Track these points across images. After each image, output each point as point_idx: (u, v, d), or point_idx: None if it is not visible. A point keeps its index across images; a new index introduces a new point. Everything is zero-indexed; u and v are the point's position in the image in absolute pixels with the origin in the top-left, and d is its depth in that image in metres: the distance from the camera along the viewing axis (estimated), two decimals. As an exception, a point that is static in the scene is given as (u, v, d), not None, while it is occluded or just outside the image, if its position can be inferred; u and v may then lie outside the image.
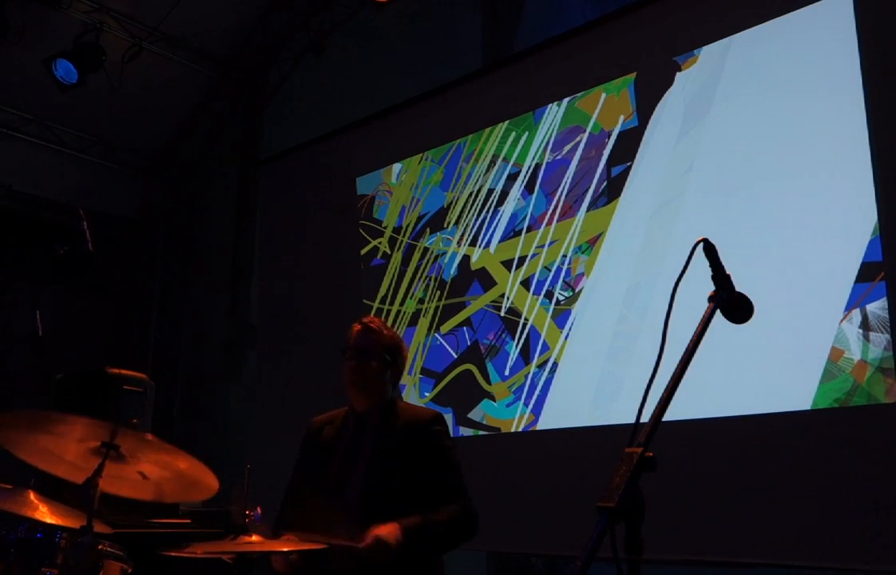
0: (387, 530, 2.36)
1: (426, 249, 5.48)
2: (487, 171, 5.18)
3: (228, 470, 2.61)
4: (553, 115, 4.89)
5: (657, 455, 1.40)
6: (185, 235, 8.81)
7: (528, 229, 4.88)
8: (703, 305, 1.66)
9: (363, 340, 2.76)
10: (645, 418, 1.49)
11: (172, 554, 2.22)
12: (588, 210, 4.60)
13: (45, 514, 2.43)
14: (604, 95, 4.66)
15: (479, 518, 2.60)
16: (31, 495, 2.49)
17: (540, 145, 4.91)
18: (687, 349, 1.55)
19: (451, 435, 2.80)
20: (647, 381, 1.50)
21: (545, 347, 4.64)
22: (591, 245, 4.54)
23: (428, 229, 5.50)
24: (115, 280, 8.35)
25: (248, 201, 7.79)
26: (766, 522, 3.62)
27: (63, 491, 2.49)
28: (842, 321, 3.57)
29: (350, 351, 2.76)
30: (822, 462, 3.54)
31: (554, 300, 4.65)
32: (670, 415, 1.50)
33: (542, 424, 4.59)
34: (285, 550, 2.26)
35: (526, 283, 4.81)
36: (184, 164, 8.68)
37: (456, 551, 2.59)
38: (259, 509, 2.36)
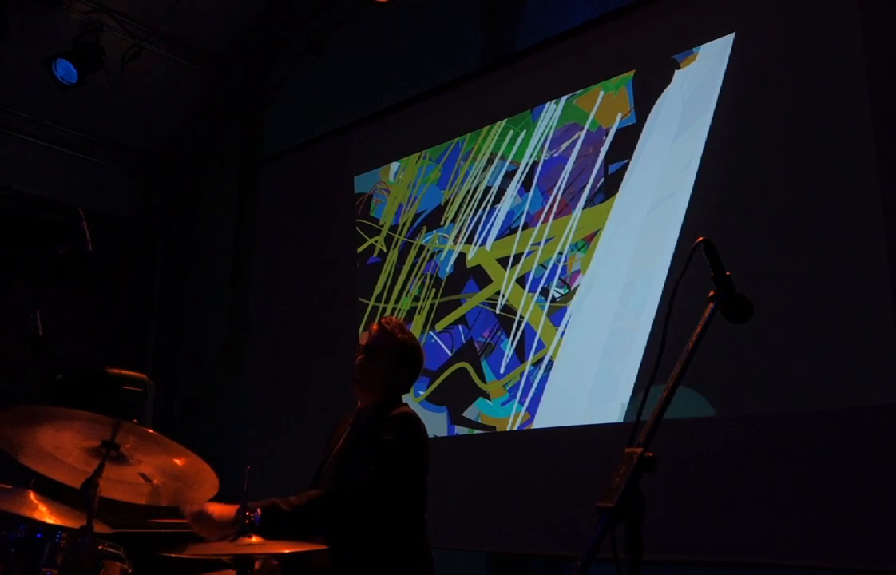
0: (217, 508, 2.40)
1: (422, 247, 5.47)
2: (485, 168, 5.17)
3: (228, 470, 2.60)
4: (551, 112, 4.89)
5: (657, 455, 1.41)
6: (185, 235, 8.81)
7: (525, 227, 4.87)
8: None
9: (374, 340, 2.81)
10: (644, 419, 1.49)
11: (172, 555, 2.22)
12: (585, 207, 4.59)
13: (45, 514, 2.42)
14: (602, 93, 4.65)
15: (351, 499, 2.50)
16: (31, 495, 2.49)
17: (537, 143, 4.91)
18: (687, 349, 1.55)
19: (413, 436, 2.66)
20: (643, 379, 1.50)
21: (541, 345, 4.63)
22: (587, 242, 4.54)
23: (424, 227, 5.50)
24: (115, 280, 8.35)
25: (248, 201, 7.79)
26: (766, 522, 3.62)
27: (63, 491, 2.49)
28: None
29: (360, 347, 2.82)
30: (823, 462, 3.54)
31: (549, 298, 4.64)
32: (671, 415, 1.50)
33: (537, 423, 4.58)
34: (285, 551, 2.25)
35: (521, 281, 4.81)
36: (184, 164, 8.68)
37: (456, 551, 2.58)
38: (259, 511, 2.35)
